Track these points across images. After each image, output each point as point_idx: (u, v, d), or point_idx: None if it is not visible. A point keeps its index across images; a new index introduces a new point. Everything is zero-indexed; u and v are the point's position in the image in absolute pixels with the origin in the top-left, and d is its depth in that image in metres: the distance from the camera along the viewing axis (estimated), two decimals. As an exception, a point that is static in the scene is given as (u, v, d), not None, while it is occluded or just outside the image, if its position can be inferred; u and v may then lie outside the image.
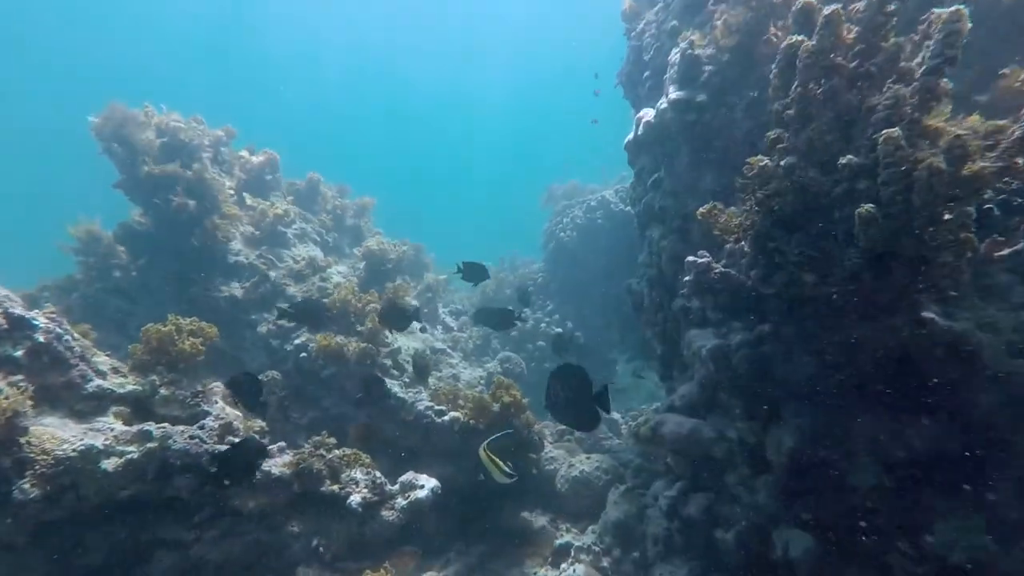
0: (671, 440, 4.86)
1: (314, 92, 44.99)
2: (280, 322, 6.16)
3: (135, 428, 3.29)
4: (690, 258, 4.93)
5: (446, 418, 5.42)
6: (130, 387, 3.52)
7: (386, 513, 4.04)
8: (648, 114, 5.79)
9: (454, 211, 45.94)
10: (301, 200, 9.17)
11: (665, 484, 5.03)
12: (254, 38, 39.16)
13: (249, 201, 7.31)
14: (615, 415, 10.16)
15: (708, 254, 4.93)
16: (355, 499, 3.82)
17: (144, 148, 6.23)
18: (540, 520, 5.67)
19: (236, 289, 6.42)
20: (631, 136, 6.19)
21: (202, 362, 6.14)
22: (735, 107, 5.04)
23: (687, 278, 4.94)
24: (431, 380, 6.79)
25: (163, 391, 3.73)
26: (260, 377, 5.65)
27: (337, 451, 4.16)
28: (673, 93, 5.27)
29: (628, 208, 12.24)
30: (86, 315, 6.16)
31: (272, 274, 6.64)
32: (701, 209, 3.93)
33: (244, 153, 7.91)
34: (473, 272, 6.40)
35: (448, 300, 12.66)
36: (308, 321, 5.56)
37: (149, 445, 3.27)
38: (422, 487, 4.27)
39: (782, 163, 3.26)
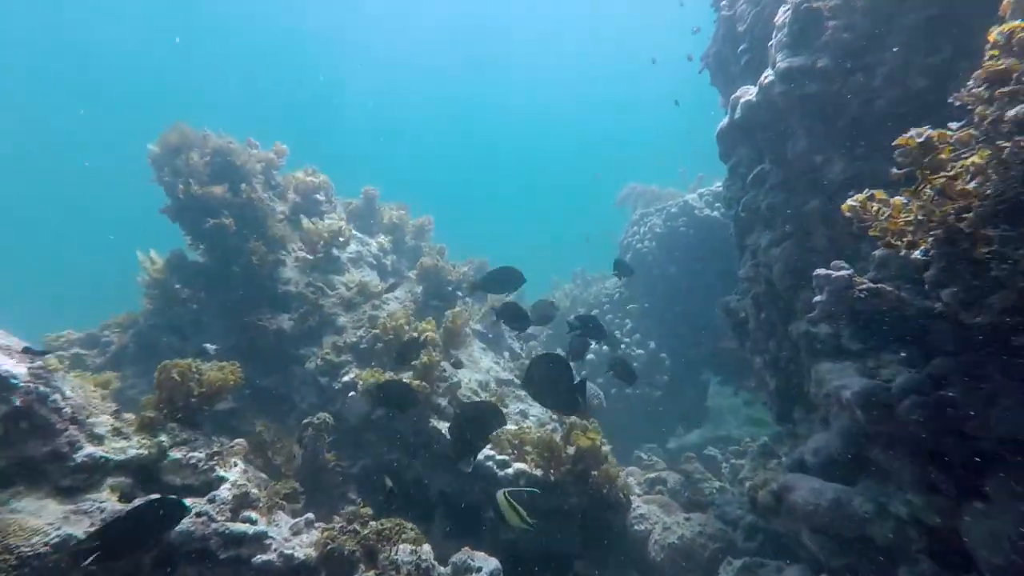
0: (806, 513, 3.64)
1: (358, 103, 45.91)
2: (328, 357, 5.59)
3: (127, 507, 2.69)
4: (821, 271, 3.74)
5: (510, 471, 4.53)
6: (134, 451, 2.96)
7: (435, 606, 3.20)
8: (748, 92, 4.67)
9: (523, 225, 45.31)
10: (357, 220, 8.77)
11: (801, 573, 3.79)
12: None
13: (305, 224, 6.92)
14: (713, 451, 8.72)
15: (847, 265, 3.72)
16: (394, 594, 3.01)
17: (192, 171, 5.98)
18: (632, 599, 4.59)
19: (284, 321, 5.96)
20: (725, 122, 5.07)
21: (247, 405, 5.74)
22: (874, 71, 3.82)
23: (819, 298, 3.74)
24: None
25: (174, 453, 3.15)
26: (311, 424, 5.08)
27: (375, 523, 3.38)
28: (783, 61, 4.14)
29: (715, 213, 10.86)
30: (141, 355, 5.95)
31: (322, 302, 6.13)
32: (850, 201, 2.79)
33: (299, 174, 7.59)
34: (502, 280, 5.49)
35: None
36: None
37: (142, 529, 2.67)
38: (479, 570, 3.39)
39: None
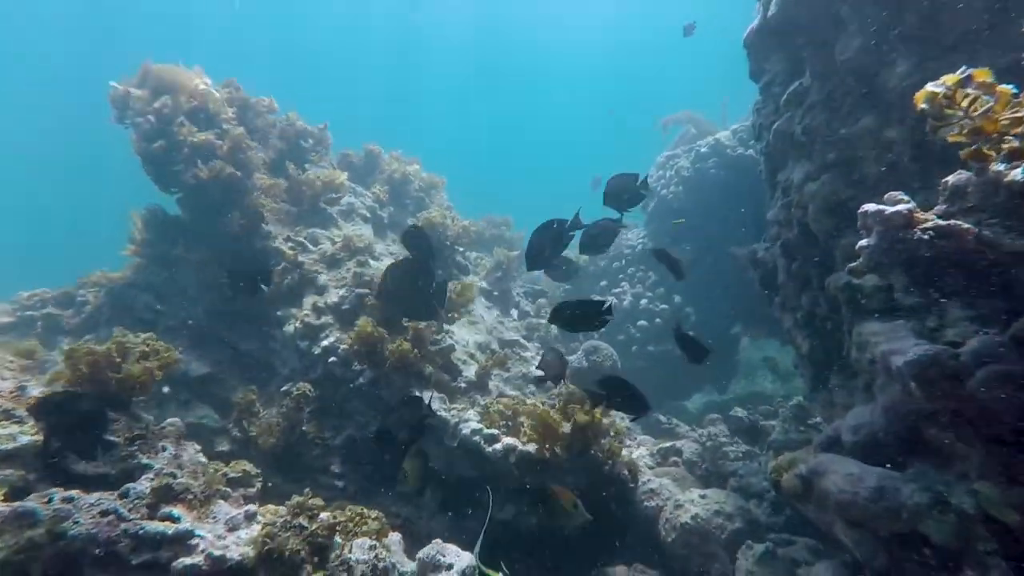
0: (841, 503, 3.01)
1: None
2: (308, 320, 5.13)
3: (11, 507, 2.30)
4: (871, 207, 2.94)
5: (498, 447, 4.02)
6: (28, 438, 2.56)
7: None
8: (785, -17, 3.71)
9: (549, 182, 43.26)
10: (357, 176, 8.17)
11: (835, 571, 3.19)
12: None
13: (291, 170, 6.35)
14: (741, 412, 8.05)
15: (906, 197, 2.90)
16: (339, 599, 2.58)
17: (166, 114, 5.42)
18: (638, 583, 4.13)
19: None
20: (755, 24, 4.12)
21: (228, 370, 5.39)
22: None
23: (866, 241, 2.97)
24: (494, 383, 5.43)
25: (87, 438, 2.74)
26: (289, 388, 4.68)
27: (327, 514, 2.93)
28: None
29: (750, 151, 9.74)
30: (115, 317, 5.63)
31: (302, 259, 5.63)
32: (931, 86, 1.99)
33: (286, 117, 6.98)
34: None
35: (529, 278, 11.22)
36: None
37: (30, 534, 2.28)
38: (449, 568, 2.93)
39: None
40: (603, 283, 11.01)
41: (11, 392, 2.77)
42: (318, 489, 4.56)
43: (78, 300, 5.82)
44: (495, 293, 7.30)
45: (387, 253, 7.01)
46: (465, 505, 4.35)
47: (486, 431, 4.11)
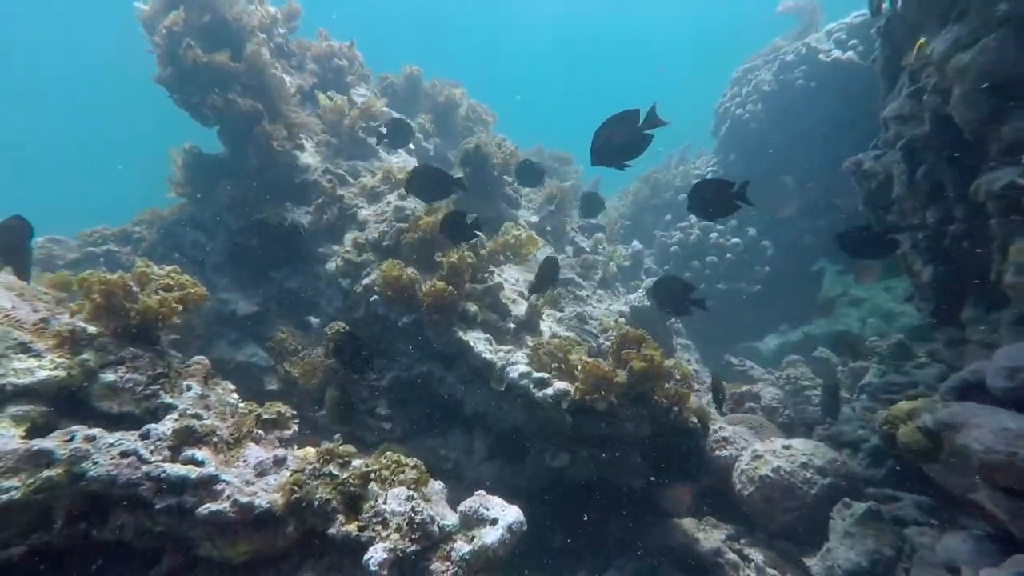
0: (992, 463, 2.37)
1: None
2: (349, 256, 4.83)
3: (27, 445, 2.13)
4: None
5: (549, 391, 3.60)
6: (47, 373, 2.39)
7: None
8: None
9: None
10: (399, 104, 7.66)
11: (976, 546, 2.59)
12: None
13: (323, 100, 5.94)
14: (824, 351, 7.18)
15: None
16: (376, 555, 2.31)
17: (182, 31, 5.05)
18: (711, 538, 3.70)
19: (302, 215, 5.22)
20: None
21: (273, 309, 5.24)
22: None
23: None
24: (546, 324, 4.99)
25: (106, 375, 2.55)
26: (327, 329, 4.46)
27: (360, 461, 2.65)
28: None
29: (848, 53, 8.28)
30: (167, 254, 5.60)
31: (342, 192, 5.28)
32: None
33: (317, 40, 6.51)
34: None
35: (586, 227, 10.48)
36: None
37: (48, 474, 2.11)
38: (494, 523, 2.60)
39: None
40: (668, 216, 10.11)
41: (34, 324, 2.61)
42: (365, 431, 4.41)
43: (134, 237, 5.83)
44: (548, 228, 6.73)
45: (432, 187, 6.56)
46: (515, 452, 4.04)
47: (535, 375, 3.69)
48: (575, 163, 11.77)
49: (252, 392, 4.64)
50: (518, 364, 3.80)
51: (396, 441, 4.36)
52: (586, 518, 3.73)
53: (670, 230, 9.86)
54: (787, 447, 3.80)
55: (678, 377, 3.65)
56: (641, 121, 2.91)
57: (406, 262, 4.68)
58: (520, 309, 4.91)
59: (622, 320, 5.68)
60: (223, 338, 4.98)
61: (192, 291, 3.01)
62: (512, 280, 5.37)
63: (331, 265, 4.98)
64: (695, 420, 3.65)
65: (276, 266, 5.26)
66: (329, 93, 6.02)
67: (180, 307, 2.89)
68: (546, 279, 4.30)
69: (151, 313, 2.75)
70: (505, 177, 6.21)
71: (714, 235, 9.23)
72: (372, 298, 4.64)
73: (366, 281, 4.70)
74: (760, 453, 3.80)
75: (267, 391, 4.68)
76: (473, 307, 4.25)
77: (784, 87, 9.09)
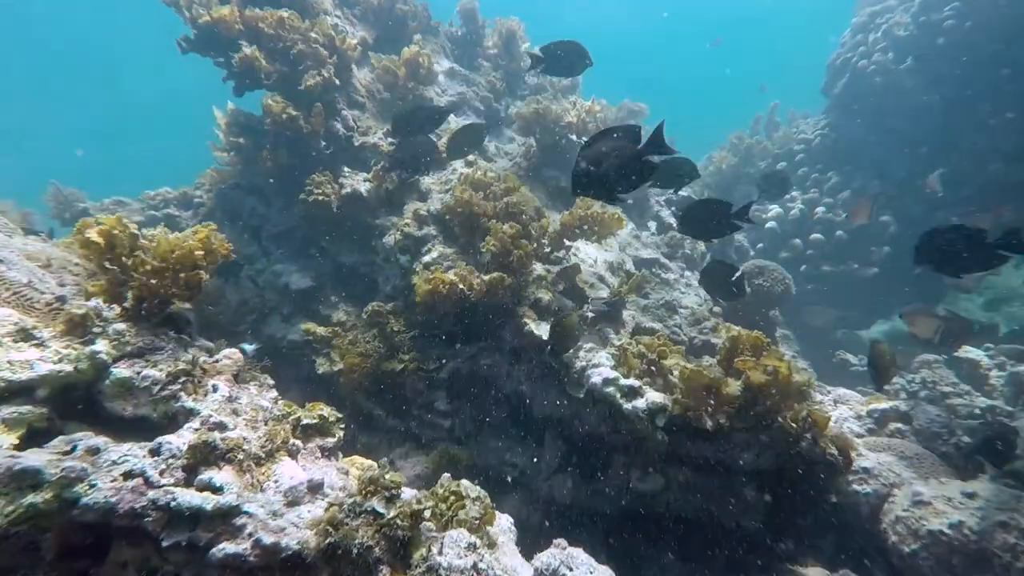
0: None
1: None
2: (409, 230, 4.30)
3: (10, 462, 1.76)
4: None
5: (640, 403, 2.93)
6: (49, 366, 2.01)
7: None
8: None
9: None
10: (457, 48, 6.91)
11: None
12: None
13: (373, 61, 5.33)
14: (978, 354, 5.81)
15: None
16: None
17: None
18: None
19: (360, 183, 4.73)
20: None
21: (329, 285, 4.85)
22: None
23: None
24: (629, 313, 4.28)
25: (120, 370, 2.16)
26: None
27: (411, 494, 2.14)
28: None
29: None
30: (223, 218, 5.32)
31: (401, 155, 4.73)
32: None
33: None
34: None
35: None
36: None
37: (33, 500, 1.74)
38: (574, 586, 2.02)
39: None
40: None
41: (47, 304, 2.26)
42: (423, 428, 3.96)
43: (195, 201, 5.60)
44: (629, 201, 5.90)
45: (500, 153, 5.89)
46: (594, 464, 3.43)
47: (624, 381, 3.02)
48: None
49: (298, 379, 4.31)
50: (601, 367, 3.14)
51: (455, 442, 3.89)
52: (682, 559, 3.09)
53: (764, 203, 8.66)
54: (970, 495, 2.93)
55: (807, 385, 2.85)
56: (643, 143, 2.16)
57: (457, 247, 4.10)
58: (600, 295, 4.22)
59: (717, 310, 4.85)
60: (277, 313, 4.66)
61: (219, 246, 2.53)
62: (590, 260, 4.66)
63: (389, 239, 4.48)
64: (834, 451, 2.85)
65: (333, 238, 4.84)
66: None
67: (203, 276, 2.43)
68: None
69: (166, 274, 2.31)
70: (581, 139, 5.41)
71: (820, 209, 7.98)
72: (432, 278, 4.11)
73: (426, 259, 4.16)
74: (926, 498, 2.95)
75: (318, 377, 4.30)
76: (546, 295, 3.61)
77: (925, 30, 7.52)
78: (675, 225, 3.08)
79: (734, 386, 2.78)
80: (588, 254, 4.72)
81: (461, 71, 6.52)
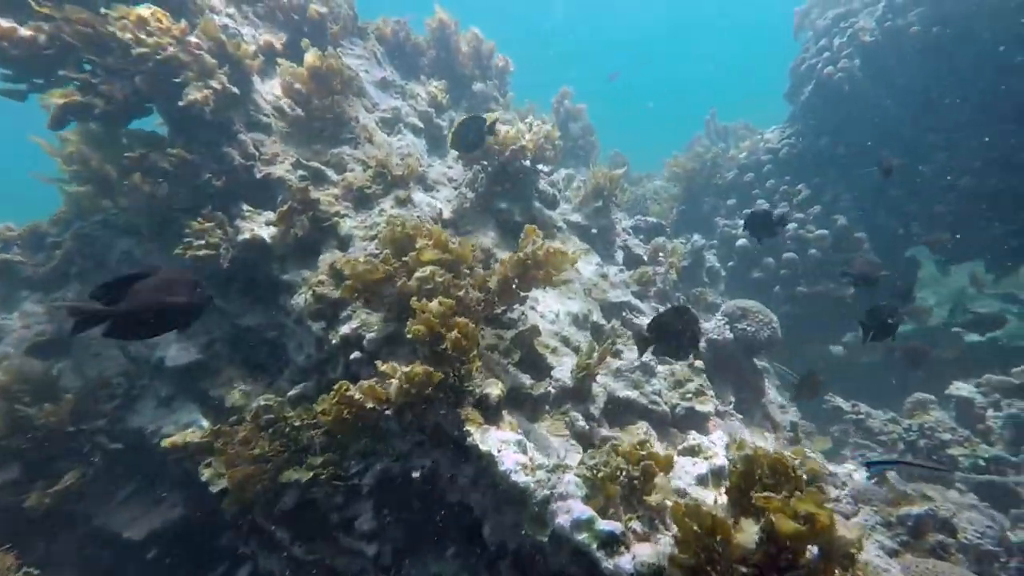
0: None
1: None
2: (323, 290, 3.39)
3: None
4: None
5: (624, 563, 2.14)
6: None
7: None
8: None
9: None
10: (402, 63, 6.03)
11: None
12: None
13: (282, 65, 4.35)
14: (970, 391, 5.21)
15: None
16: None
17: None
18: None
19: (261, 225, 3.77)
20: None
21: (224, 353, 3.85)
22: None
23: None
24: (601, 382, 3.52)
25: None
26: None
27: None
28: None
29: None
30: (87, 266, 4.22)
31: (316, 195, 3.80)
32: None
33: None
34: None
35: (636, 207, 8.80)
36: None
37: None
38: None
39: None
40: (731, 200, 8.36)
41: None
42: (338, 556, 3.08)
43: (48, 241, 4.40)
44: (593, 231, 5.16)
45: (445, 179, 5.02)
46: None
47: (601, 525, 2.23)
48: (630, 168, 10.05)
49: (187, 482, 3.35)
50: (570, 499, 2.34)
51: (383, 571, 3.02)
52: None
53: (734, 217, 8.15)
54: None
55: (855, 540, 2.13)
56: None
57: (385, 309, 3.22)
58: (564, 365, 3.44)
59: (699, 364, 4.15)
60: (152, 395, 3.66)
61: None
62: (551, 314, 3.88)
63: (299, 299, 3.56)
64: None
65: (229, 295, 3.87)
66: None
67: None
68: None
69: None
70: (539, 167, 4.62)
71: (792, 226, 7.49)
72: (352, 355, 3.22)
73: (345, 329, 3.27)
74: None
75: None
76: (495, 389, 2.78)
77: (891, 36, 7.12)
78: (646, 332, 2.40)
79: (748, 534, 2.03)
80: (549, 307, 3.93)
81: (397, 81, 5.61)
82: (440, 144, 5.46)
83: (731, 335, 4.46)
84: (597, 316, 4.17)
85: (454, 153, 5.51)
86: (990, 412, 4.89)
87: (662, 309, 4.50)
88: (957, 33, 6.49)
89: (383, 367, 2.84)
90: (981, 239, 7.00)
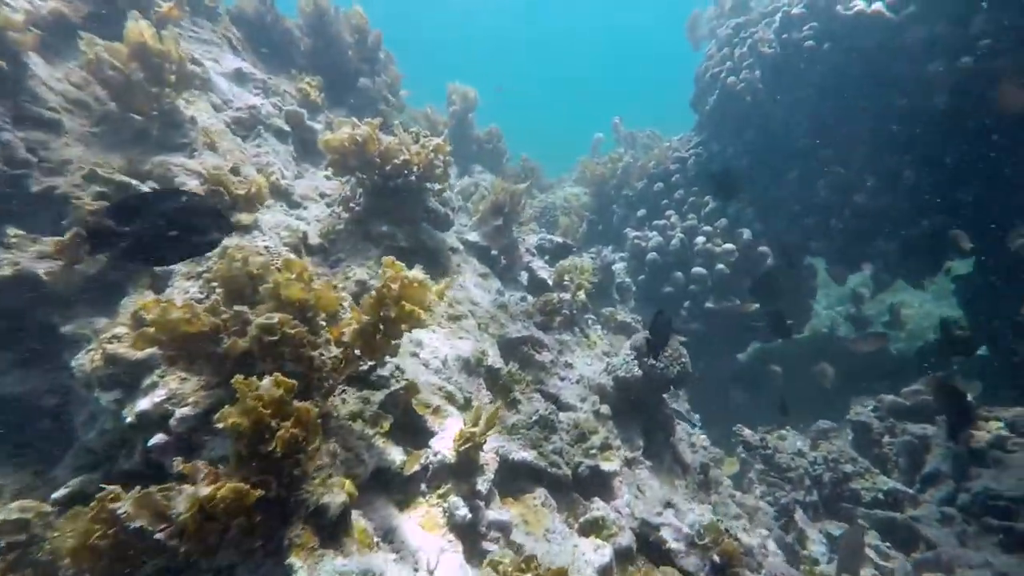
0: None
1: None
2: (117, 349, 2.50)
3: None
4: None
5: None
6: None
7: None
8: None
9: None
10: (259, 49, 5.11)
11: None
12: None
13: (84, 45, 3.35)
14: (868, 416, 5.18)
15: None
16: None
17: None
18: None
19: (35, 260, 2.79)
20: None
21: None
22: None
23: None
24: (490, 449, 2.94)
25: None
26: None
27: None
28: None
29: (878, 5, 6.39)
30: None
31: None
32: None
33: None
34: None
35: (545, 216, 8.35)
36: None
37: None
38: None
39: None
40: (641, 212, 8.16)
41: None
42: None
43: None
44: (493, 252, 4.58)
45: (315, 194, 4.21)
46: None
47: None
48: (544, 174, 9.77)
49: None
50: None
51: None
52: None
53: (645, 229, 7.94)
54: None
55: None
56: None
57: (208, 373, 2.43)
58: (448, 428, 2.81)
59: (605, 411, 3.69)
60: None
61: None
62: (437, 359, 3.23)
63: (84, 361, 2.64)
64: None
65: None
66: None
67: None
68: None
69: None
70: (428, 185, 3.93)
71: (701, 239, 7.39)
72: (154, 440, 2.38)
73: (145, 404, 2.42)
74: None
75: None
76: (337, 496, 2.08)
77: (789, 50, 7.18)
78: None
79: None
80: (435, 351, 3.28)
81: (257, 75, 4.69)
82: (312, 151, 4.62)
83: (640, 372, 4.05)
84: (494, 357, 3.58)
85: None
86: (886, 439, 4.89)
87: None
88: (846, 47, 6.62)
89: (184, 467, 2.05)
90: (869, 253, 7.25)
